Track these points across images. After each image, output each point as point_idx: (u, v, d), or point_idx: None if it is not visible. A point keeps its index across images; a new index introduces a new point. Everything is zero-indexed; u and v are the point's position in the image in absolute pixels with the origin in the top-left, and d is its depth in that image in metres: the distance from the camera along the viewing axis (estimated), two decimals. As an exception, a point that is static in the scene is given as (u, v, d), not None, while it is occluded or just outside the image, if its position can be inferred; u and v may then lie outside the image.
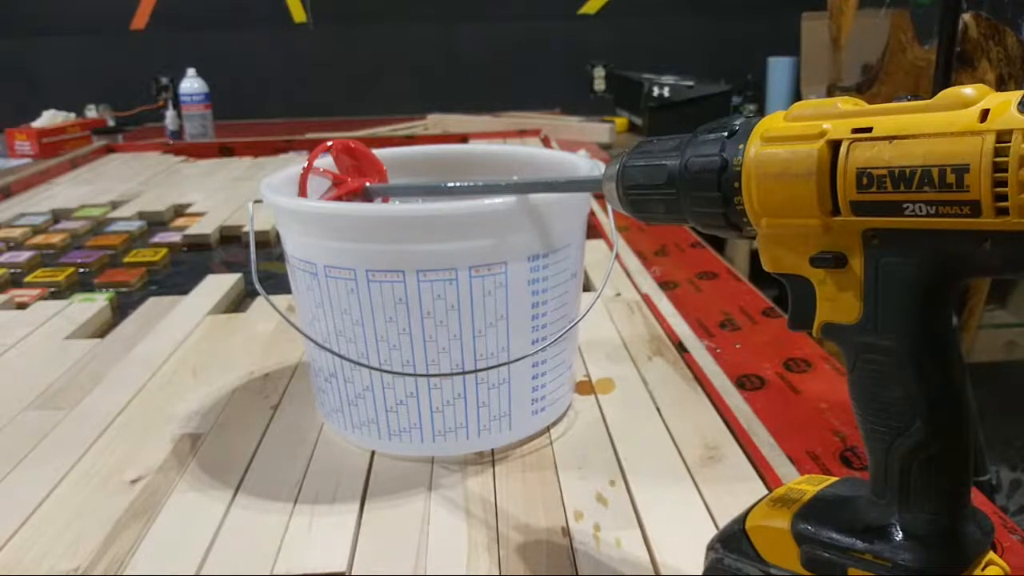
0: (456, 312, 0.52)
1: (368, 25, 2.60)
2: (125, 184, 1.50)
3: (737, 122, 0.36)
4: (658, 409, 0.62)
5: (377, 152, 0.65)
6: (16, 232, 1.17)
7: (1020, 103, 0.27)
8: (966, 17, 1.31)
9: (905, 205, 0.30)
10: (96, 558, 0.47)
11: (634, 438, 0.58)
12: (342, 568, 0.45)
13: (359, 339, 0.53)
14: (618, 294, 0.87)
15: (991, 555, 0.34)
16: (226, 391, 0.67)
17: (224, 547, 0.48)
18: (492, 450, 0.57)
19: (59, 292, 0.95)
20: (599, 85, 2.35)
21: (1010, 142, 0.27)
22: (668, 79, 2.12)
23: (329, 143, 0.62)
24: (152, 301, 0.88)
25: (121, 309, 0.88)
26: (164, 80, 2.08)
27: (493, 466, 0.56)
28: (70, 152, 1.79)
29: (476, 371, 0.53)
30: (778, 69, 2.41)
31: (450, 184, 0.55)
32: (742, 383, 0.66)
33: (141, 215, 1.27)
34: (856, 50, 1.80)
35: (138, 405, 0.65)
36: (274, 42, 2.61)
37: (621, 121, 2.27)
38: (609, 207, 0.47)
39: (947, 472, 0.33)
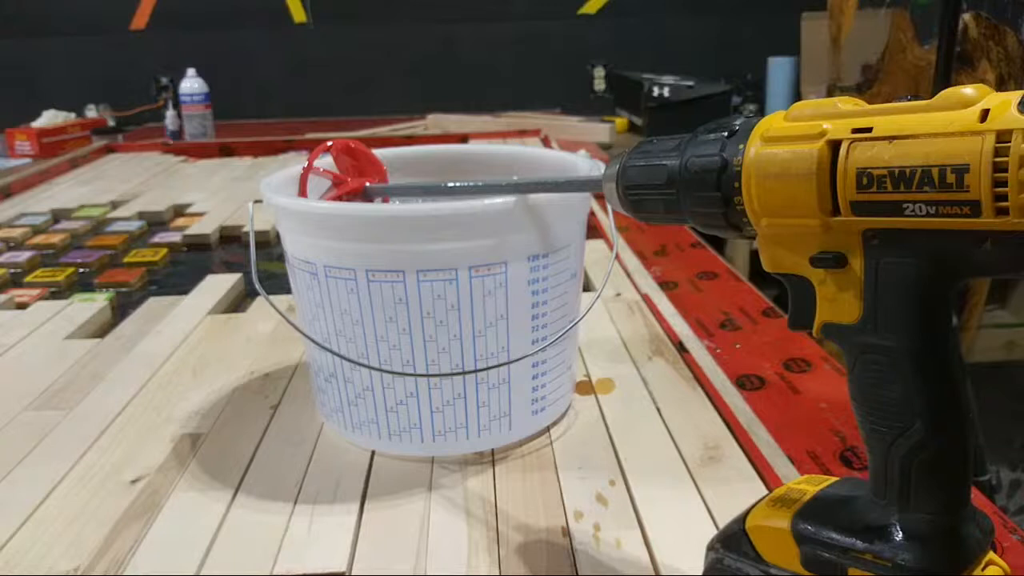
0: (456, 312, 0.52)
1: (368, 25, 2.61)
2: (125, 184, 1.50)
3: (737, 122, 0.36)
4: (658, 409, 0.62)
5: (377, 152, 0.65)
6: (16, 232, 1.17)
7: (1020, 103, 0.27)
8: (966, 17, 1.31)
9: (905, 205, 0.30)
10: (96, 558, 0.47)
11: (634, 438, 0.58)
12: (342, 568, 0.45)
13: (359, 339, 0.53)
14: (618, 294, 0.87)
15: (991, 555, 0.34)
16: (226, 391, 0.67)
17: (224, 547, 0.48)
18: (492, 450, 0.57)
19: (59, 292, 0.94)
20: (599, 85, 2.36)
21: (1010, 142, 0.27)
22: (668, 79, 2.12)
23: (329, 143, 0.62)
24: (152, 301, 0.88)
25: (121, 309, 0.88)
26: (164, 80, 2.08)
27: (493, 466, 0.56)
28: (70, 152, 1.79)
29: (476, 371, 0.53)
30: (778, 69, 2.41)
31: (450, 184, 0.55)
32: (742, 383, 0.66)
33: (141, 215, 1.27)
34: (856, 50, 1.80)
35: (138, 405, 0.65)
36: (274, 42, 2.61)
37: (621, 121, 2.27)
38: (609, 207, 0.47)
39: (947, 472, 0.33)
